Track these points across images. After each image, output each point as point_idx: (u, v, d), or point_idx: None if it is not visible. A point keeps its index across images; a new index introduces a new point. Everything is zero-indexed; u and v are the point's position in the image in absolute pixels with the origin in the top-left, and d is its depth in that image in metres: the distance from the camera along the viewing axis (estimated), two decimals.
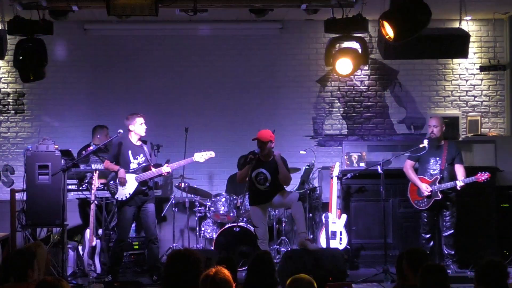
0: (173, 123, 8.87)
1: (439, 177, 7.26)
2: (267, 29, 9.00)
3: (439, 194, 7.23)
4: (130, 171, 7.11)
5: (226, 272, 3.51)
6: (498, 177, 8.07)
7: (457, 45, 6.88)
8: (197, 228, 8.08)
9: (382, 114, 9.16)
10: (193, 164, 7.71)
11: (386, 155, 7.96)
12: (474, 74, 9.17)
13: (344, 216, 7.68)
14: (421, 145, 7.31)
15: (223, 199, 7.87)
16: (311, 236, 7.75)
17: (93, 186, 7.20)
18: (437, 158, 7.33)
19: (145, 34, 9.04)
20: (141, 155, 7.18)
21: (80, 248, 7.44)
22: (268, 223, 7.28)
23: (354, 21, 6.64)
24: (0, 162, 8.89)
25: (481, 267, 3.93)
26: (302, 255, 6.68)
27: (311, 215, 8.09)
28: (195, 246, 8.03)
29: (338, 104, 9.15)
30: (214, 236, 7.72)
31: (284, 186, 7.18)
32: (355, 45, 7.07)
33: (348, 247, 7.64)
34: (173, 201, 8.17)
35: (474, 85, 9.19)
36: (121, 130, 7.09)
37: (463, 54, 7.02)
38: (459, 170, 7.29)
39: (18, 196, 7.19)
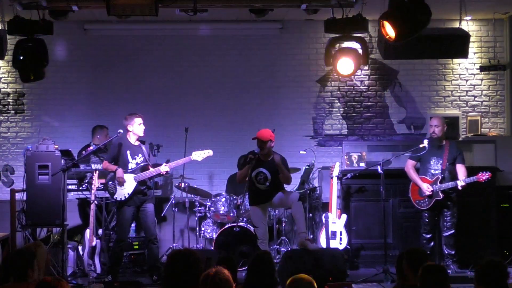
0: (173, 123, 8.87)
1: (440, 177, 7.25)
2: (267, 29, 8.99)
3: (440, 194, 7.22)
4: (129, 171, 7.11)
5: (226, 272, 3.52)
6: (498, 177, 8.07)
7: (457, 45, 6.89)
8: (197, 228, 8.08)
9: (382, 114, 9.16)
10: (193, 164, 7.72)
11: (386, 155, 7.96)
12: (474, 74, 9.17)
13: (344, 216, 7.67)
14: (421, 145, 7.32)
15: (223, 199, 7.87)
16: (311, 236, 7.75)
17: (93, 186, 7.20)
18: (439, 158, 7.33)
19: (145, 34, 9.04)
20: (140, 155, 7.18)
21: (80, 248, 7.44)
22: (268, 223, 7.28)
23: (354, 21, 6.64)
24: (0, 162, 8.89)
25: (481, 267, 3.93)
26: (302, 255, 6.68)
27: (311, 215, 8.09)
28: (195, 246, 8.03)
29: (338, 104, 9.15)
30: (214, 236, 7.72)
31: (285, 186, 7.18)
32: (355, 45, 7.08)
33: (348, 247, 7.64)
34: (173, 201, 8.17)
35: (474, 85, 9.19)
36: (121, 130, 7.09)
37: (463, 54, 7.03)
38: (461, 170, 7.29)
39: (18, 196, 7.18)
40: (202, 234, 8.02)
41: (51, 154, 7.03)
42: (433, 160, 7.34)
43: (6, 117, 8.98)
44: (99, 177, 7.32)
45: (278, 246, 7.88)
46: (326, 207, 7.85)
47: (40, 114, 8.99)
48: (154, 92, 9.00)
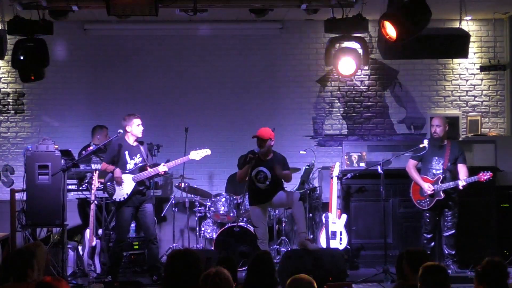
0: (173, 123, 8.87)
1: (441, 176, 7.25)
2: (267, 29, 8.99)
3: (441, 193, 7.22)
4: (127, 171, 7.10)
5: (226, 272, 3.52)
6: (498, 177, 8.07)
7: (457, 45, 6.89)
8: (197, 228, 8.08)
9: (382, 114, 9.16)
10: (193, 164, 7.71)
11: (386, 155, 7.95)
12: (474, 74, 9.17)
13: (344, 216, 7.67)
14: (421, 145, 7.32)
15: (223, 199, 7.87)
16: (311, 236, 7.75)
17: (93, 186, 7.19)
18: (440, 158, 7.32)
19: (145, 34, 9.04)
20: (138, 155, 7.17)
21: (80, 248, 7.44)
22: (268, 223, 7.29)
23: (354, 21, 6.65)
24: (0, 162, 8.89)
25: (481, 267, 3.93)
26: (302, 255, 6.68)
27: (311, 215, 8.09)
28: (195, 246, 8.03)
29: (338, 104, 9.15)
30: (214, 236, 7.72)
31: (285, 186, 7.18)
32: (355, 45, 7.08)
33: (348, 247, 7.64)
34: (173, 201, 8.17)
35: (474, 85, 9.19)
36: (120, 130, 7.08)
37: (463, 54, 7.04)
38: (462, 170, 7.28)
39: (18, 196, 7.18)
40: (202, 234, 8.01)
41: (51, 154, 7.02)
42: (435, 160, 7.33)
43: (6, 117, 8.98)
44: (99, 177, 7.32)
45: (278, 246, 7.88)
46: (326, 207, 7.85)
47: (40, 114, 8.99)
48: (154, 92, 9.00)
